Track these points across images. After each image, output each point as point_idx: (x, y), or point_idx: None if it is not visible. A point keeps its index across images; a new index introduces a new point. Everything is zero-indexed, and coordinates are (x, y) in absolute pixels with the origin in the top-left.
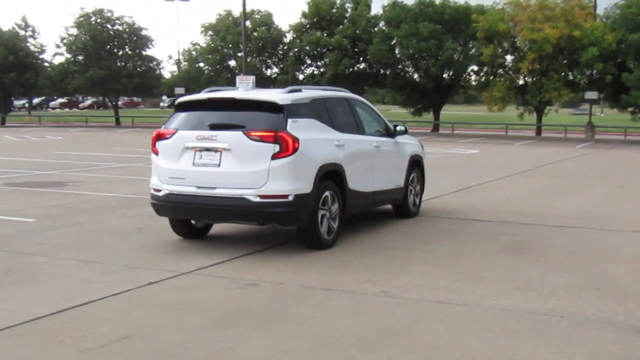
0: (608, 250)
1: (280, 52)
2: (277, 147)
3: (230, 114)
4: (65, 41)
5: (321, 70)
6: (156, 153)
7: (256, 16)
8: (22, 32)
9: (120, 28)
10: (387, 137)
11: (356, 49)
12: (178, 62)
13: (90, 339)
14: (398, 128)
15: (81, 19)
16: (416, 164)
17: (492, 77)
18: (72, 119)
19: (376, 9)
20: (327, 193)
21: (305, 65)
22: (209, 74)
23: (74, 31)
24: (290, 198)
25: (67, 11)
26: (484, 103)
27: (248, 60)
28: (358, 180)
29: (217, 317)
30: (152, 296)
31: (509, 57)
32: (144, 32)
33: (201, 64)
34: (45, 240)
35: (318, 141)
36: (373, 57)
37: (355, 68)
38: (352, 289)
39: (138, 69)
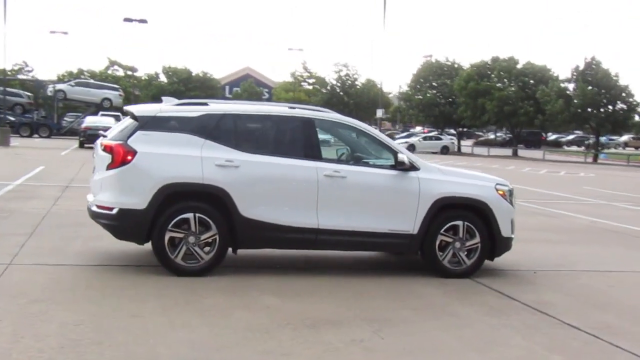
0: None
1: None
2: (109, 158)
3: (124, 124)
4: None
5: None
6: None
7: None
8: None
9: None
10: (385, 169)
11: None
12: None
13: None
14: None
15: None
16: (475, 212)
17: None
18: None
19: None
20: (188, 215)
21: None
22: None
23: None
24: (114, 211)
25: None
26: None
27: None
28: (269, 210)
29: None
30: None
31: None
32: None
33: None
34: None
35: (172, 157)
36: None
37: None
38: (19, 309)
39: None
